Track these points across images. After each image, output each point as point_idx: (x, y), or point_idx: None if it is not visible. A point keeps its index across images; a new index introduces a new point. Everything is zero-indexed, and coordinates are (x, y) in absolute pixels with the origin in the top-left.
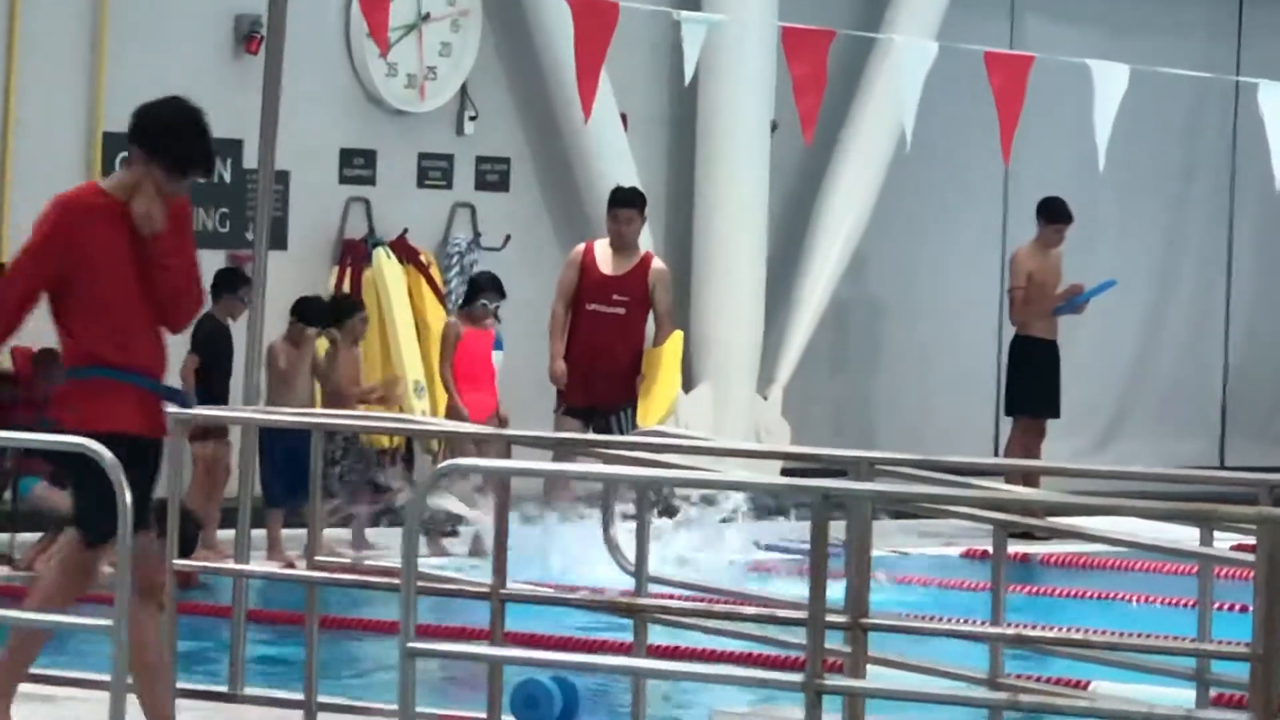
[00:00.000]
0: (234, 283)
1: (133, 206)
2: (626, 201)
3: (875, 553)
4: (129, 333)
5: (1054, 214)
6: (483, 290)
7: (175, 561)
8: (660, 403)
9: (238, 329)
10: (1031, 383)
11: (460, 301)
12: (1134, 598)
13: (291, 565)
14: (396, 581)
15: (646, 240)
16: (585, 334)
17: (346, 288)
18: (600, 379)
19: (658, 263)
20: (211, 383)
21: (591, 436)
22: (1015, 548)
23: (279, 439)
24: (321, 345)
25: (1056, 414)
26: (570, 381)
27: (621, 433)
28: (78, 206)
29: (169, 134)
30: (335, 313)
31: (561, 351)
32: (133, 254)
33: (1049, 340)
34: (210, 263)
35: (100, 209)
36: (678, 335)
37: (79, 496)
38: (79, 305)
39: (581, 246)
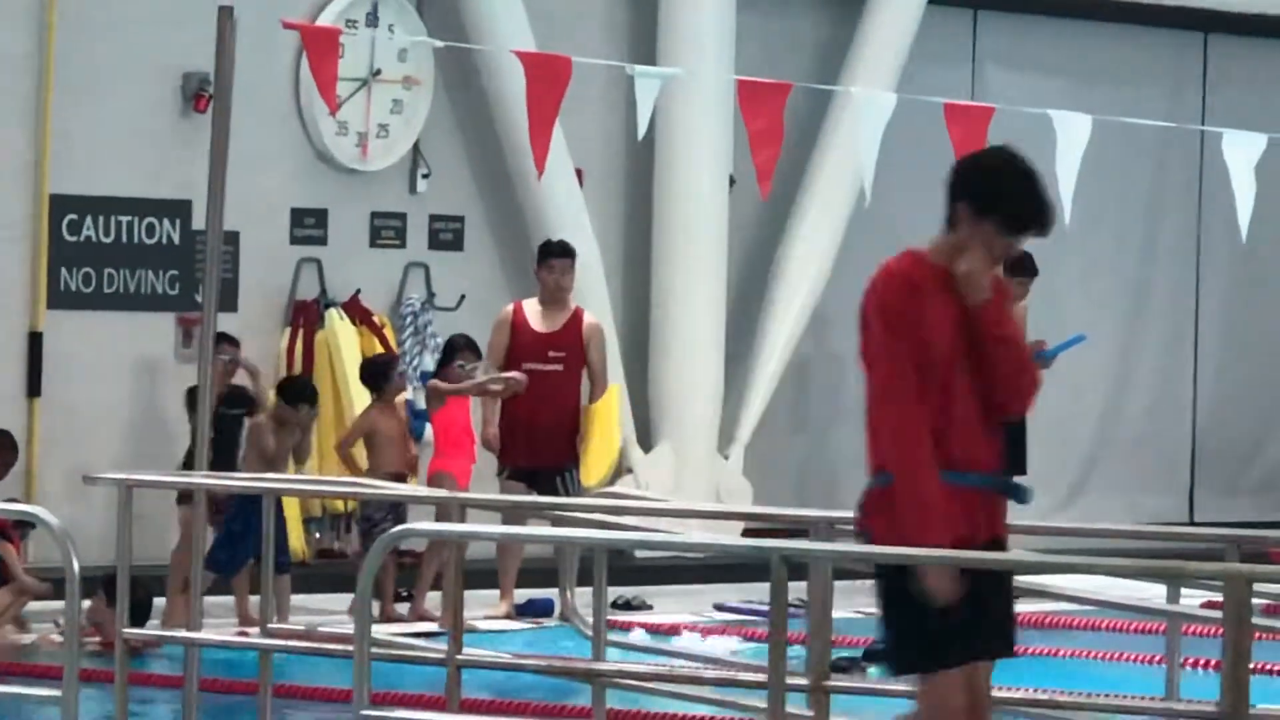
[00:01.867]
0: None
1: (956, 268)
2: (563, 252)
3: (839, 614)
4: (969, 422)
5: (1015, 267)
6: (459, 351)
7: (125, 630)
8: (599, 460)
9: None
10: None
11: (416, 365)
12: (1102, 656)
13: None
14: (350, 648)
15: (604, 297)
16: (522, 394)
17: (299, 350)
18: (542, 439)
19: (589, 317)
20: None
21: (547, 499)
22: None
23: (250, 510)
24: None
25: (1023, 470)
26: (512, 443)
27: (568, 494)
28: (908, 280)
29: (1002, 185)
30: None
31: (494, 417)
32: (963, 328)
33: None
34: (159, 324)
35: (928, 279)
36: (613, 390)
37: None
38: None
39: (510, 307)
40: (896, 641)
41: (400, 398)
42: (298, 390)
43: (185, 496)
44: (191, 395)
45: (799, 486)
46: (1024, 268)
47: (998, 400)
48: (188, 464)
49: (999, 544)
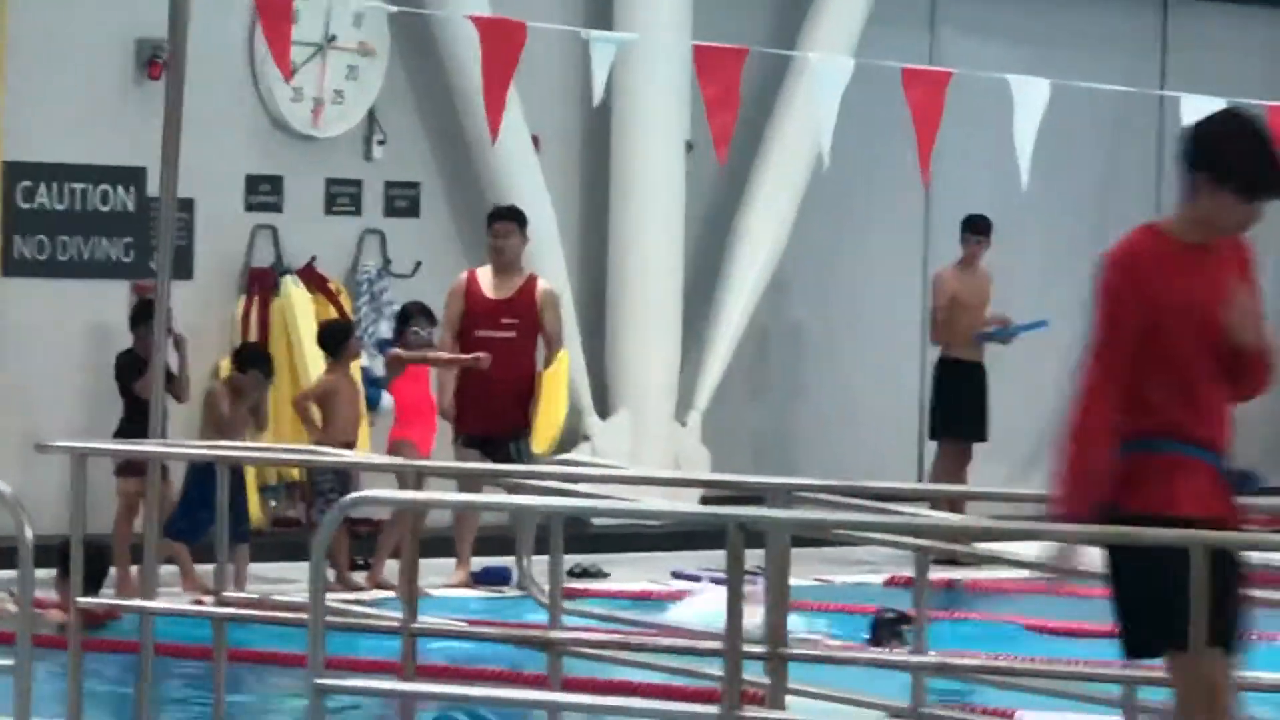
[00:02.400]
0: (146, 315)
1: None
2: (502, 215)
3: (796, 581)
4: (1210, 402)
5: (972, 225)
6: (413, 317)
7: (79, 599)
8: (545, 428)
9: None
10: (956, 405)
11: (372, 333)
12: (1060, 625)
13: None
14: (305, 616)
15: (560, 264)
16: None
17: (254, 317)
18: (495, 405)
19: (544, 282)
20: (134, 415)
21: (505, 467)
22: (940, 574)
23: (207, 478)
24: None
25: (983, 437)
26: (466, 410)
27: (521, 461)
28: (1132, 258)
29: (1237, 150)
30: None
31: (451, 386)
32: (1204, 302)
33: (974, 362)
34: (115, 292)
35: (1164, 255)
36: (563, 357)
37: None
38: (1150, 369)
39: (464, 275)
40: (1135, 619)
41: (355, 364)
42: (250, 357)
43: (124, 468)
44: (120, 364)
45: (757, 454)
46: (974, 224)
47: (1239, 381)
48: (119, 435)
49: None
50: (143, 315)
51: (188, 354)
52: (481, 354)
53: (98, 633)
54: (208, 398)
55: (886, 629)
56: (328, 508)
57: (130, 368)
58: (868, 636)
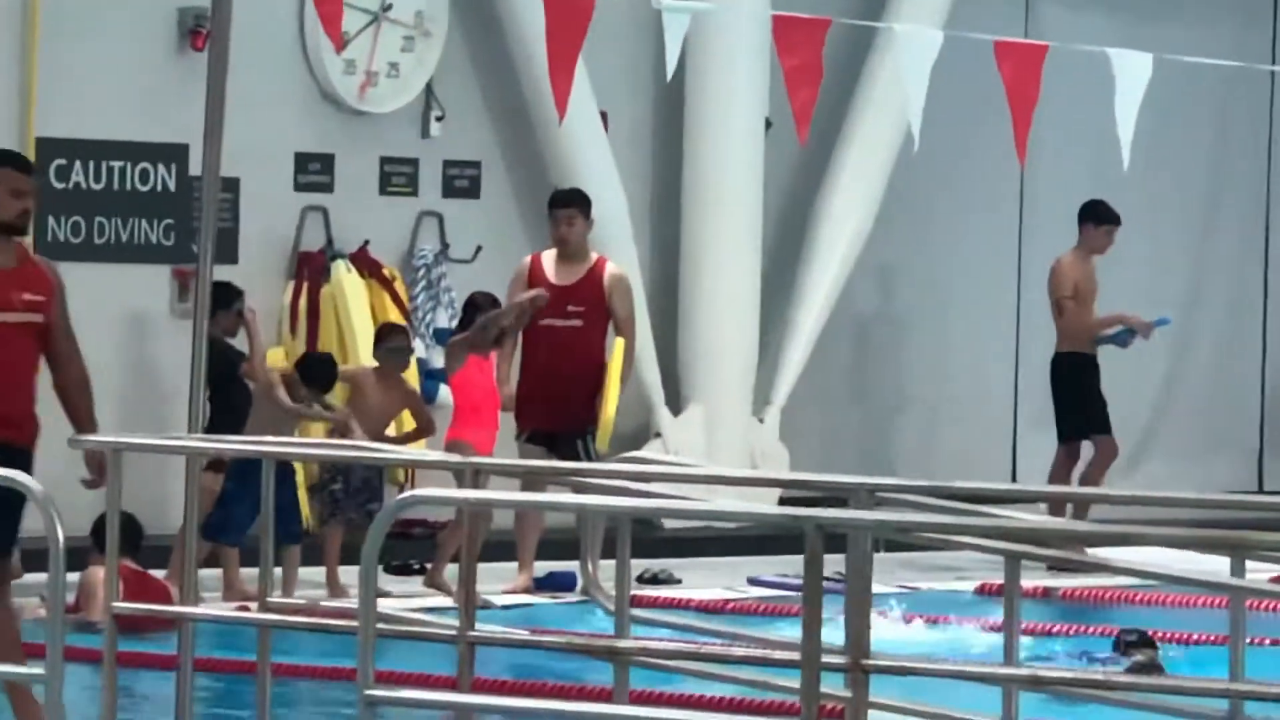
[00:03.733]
0: (227, 298)
1: None
2: (564, 201)
3: (880, 588)
4: None
5: (1104, 215)
6: (480, 309)
7: (115, 605)
8: (605, 422)
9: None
10: (1078, 401)
11: (429, 322)
12: (1162, 634)
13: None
14: (355, 624)
15: (630, 249)
16: (541, 352)
17: (303, 305)
18: (561, 399)
19: (612, 266)
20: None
21: (567, 464)
22: (1034, 581)
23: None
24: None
25: (1107, 430)
26: (529, 404)
27: (590, 458)
28: None
29: None
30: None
31: (511, 376)
32: None
33: (1091, 355)
34: (154, 277)
35: None
36: (620, 345)
37: None
38: None
39: (527, 259)
40: None
41: (408, 373)
42: (314, 370)
43: (213, 464)
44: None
45: (839, 452)
46: (1110, 215)
47: None
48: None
49: None
50: (230, 295)
51: (258, 327)
52: (538, 290)
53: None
54: (259, 392)
55: (1131, 650)
56: (338, 511)
57: (216, 358)
58: (1105, 657)
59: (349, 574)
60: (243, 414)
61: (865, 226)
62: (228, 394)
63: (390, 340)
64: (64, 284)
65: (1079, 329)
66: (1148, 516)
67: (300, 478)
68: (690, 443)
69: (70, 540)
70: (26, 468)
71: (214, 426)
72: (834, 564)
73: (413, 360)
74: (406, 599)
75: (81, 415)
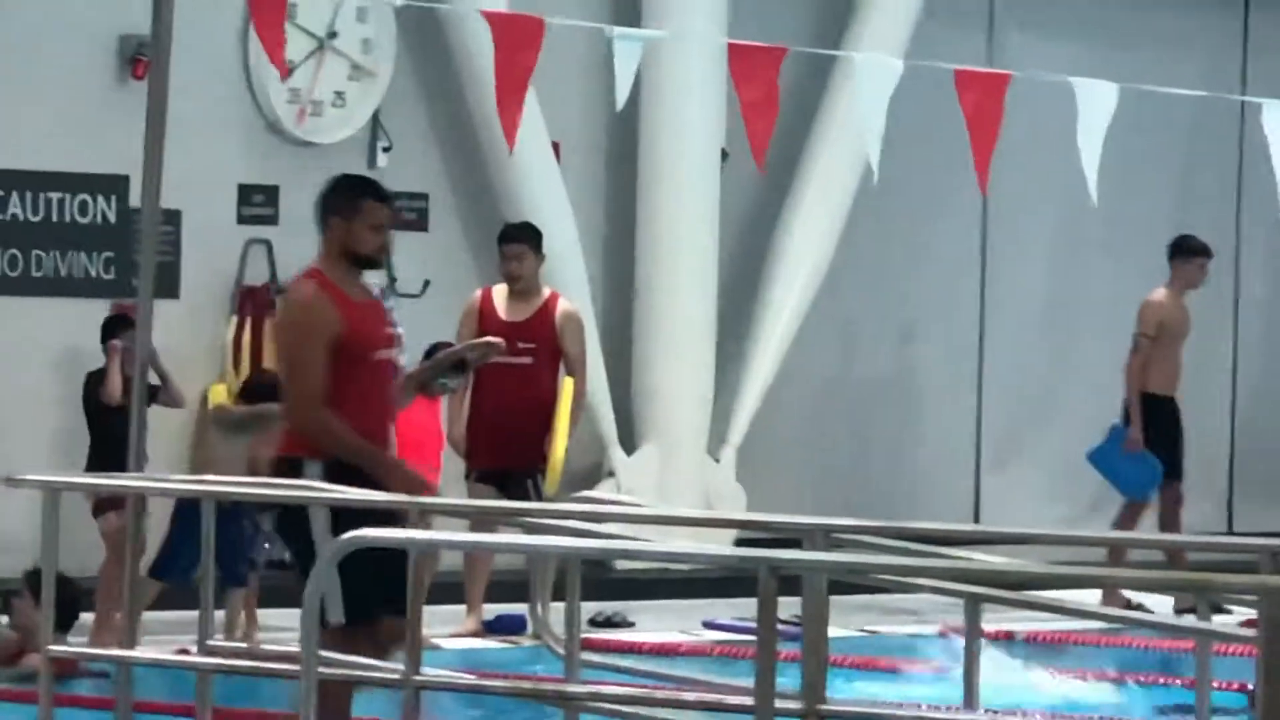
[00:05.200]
0: (117, 326)
1: None
2: (513, 237)
3: (838, 632)
4: None
5: (1193, 248)
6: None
7: (50, 647)
8: (551, 465)
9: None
10: (1158, 443)
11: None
12: (1126, 677)
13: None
14: (298, 668)
15: (583, 284)
16: (490, 389)
17: (246, 340)
18: (511, 438)
19: (564, 303)
20: (105, 439)
21: (516, 505)
22: (996, 624)
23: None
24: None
25: (1179, 475)
26: (479, 443)
27: (540, 498)
28: None
29: None
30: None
31: (461, 415)
32: None
33: (1168, 397)
34: (94, 312)
35: None
36: (568, 384)
37: None
38: None
39: (477, 294)
40: None
41: None
42: (262, 390)
43: (103, 505)
44: (87, 387)
45: (797, 493)
46: (1202, 247)
47: None
48: (91, 468)
49: None
50: (115, 327)
51: (161, 363)
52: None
53: (70, 685)
54: (201, 429)
55: None
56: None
57: (92, 390)
58: None
59: (290, 618)
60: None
61: (824, 260)
62: (107, 427)
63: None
64: None
65: (1156, 369)
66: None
67: None
68: (644, 483)
69: (3, 583)
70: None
71: (91, 467)
72: (794, 606)
73: None
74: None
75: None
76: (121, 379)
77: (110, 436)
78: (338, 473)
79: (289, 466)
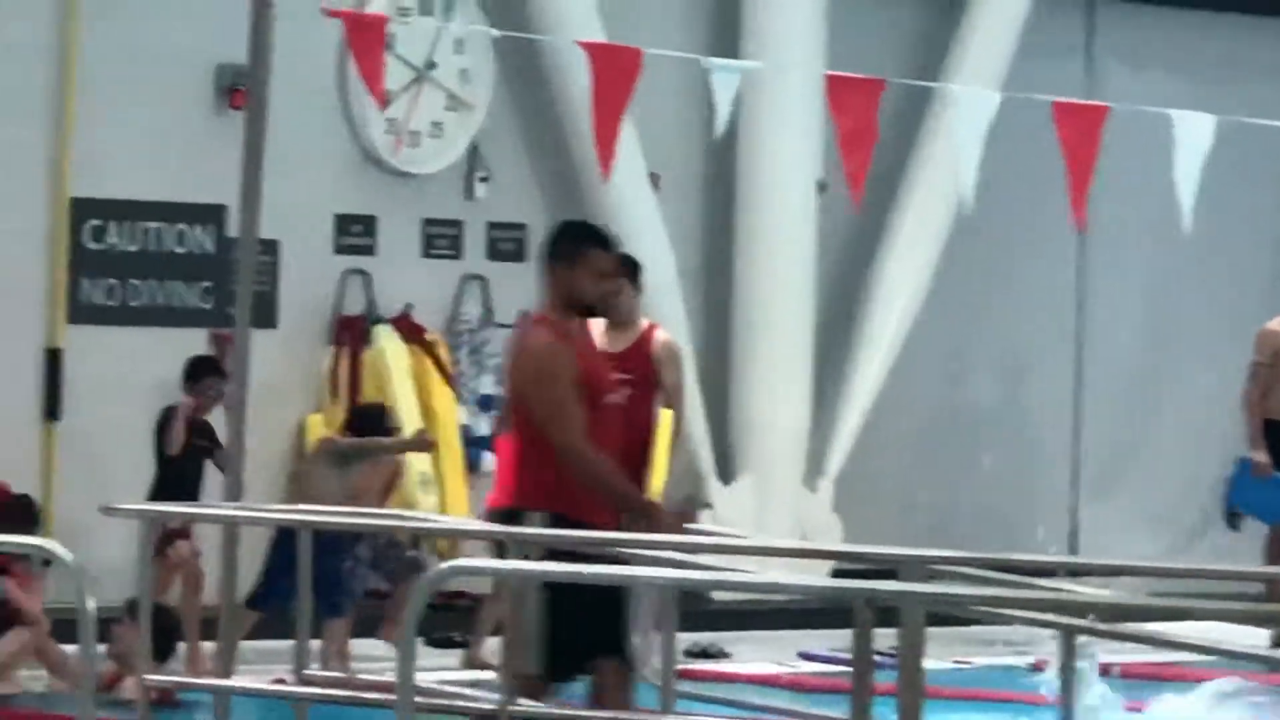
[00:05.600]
0: (197, 372)
1: None
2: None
3: (934, 663)
4: None
5: None
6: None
7: (146, 677)
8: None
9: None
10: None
11: (473, 388)
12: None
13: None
14: (394, 698)
15: (680, 315)
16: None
17: (343, 370)
18: None
19: (662, 334)
20: (167, 478)
21: (613, 535)
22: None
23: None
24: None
25: None
26: None
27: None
28: None
29: None
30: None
31: None
32: None
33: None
34: (191, 342)
35: None
36: (666, 416)
37: None
38: None
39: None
40: None
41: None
42: (367, 423)
43: (170, 536)
44: (159, 423)
45: (894, 524)
46: None
47: None
48: (155, 496)
49: None
50: (201, 371)
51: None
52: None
53: (168, 714)
54: (300, 460)
55: None
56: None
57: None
58: None
59: (375, 648)
60: (193, 485)
61: (921, 291)
62: (167, 467)
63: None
64: None
65: (1271, 397)
66: (1206, 590)
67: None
68: (741, 514)
69: (103, 610)
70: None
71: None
72: (890, 638)
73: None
74: (445, 671)
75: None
76: (186, 432)
77: (169, 477)
78: (561, 526)
79: (507, 518)
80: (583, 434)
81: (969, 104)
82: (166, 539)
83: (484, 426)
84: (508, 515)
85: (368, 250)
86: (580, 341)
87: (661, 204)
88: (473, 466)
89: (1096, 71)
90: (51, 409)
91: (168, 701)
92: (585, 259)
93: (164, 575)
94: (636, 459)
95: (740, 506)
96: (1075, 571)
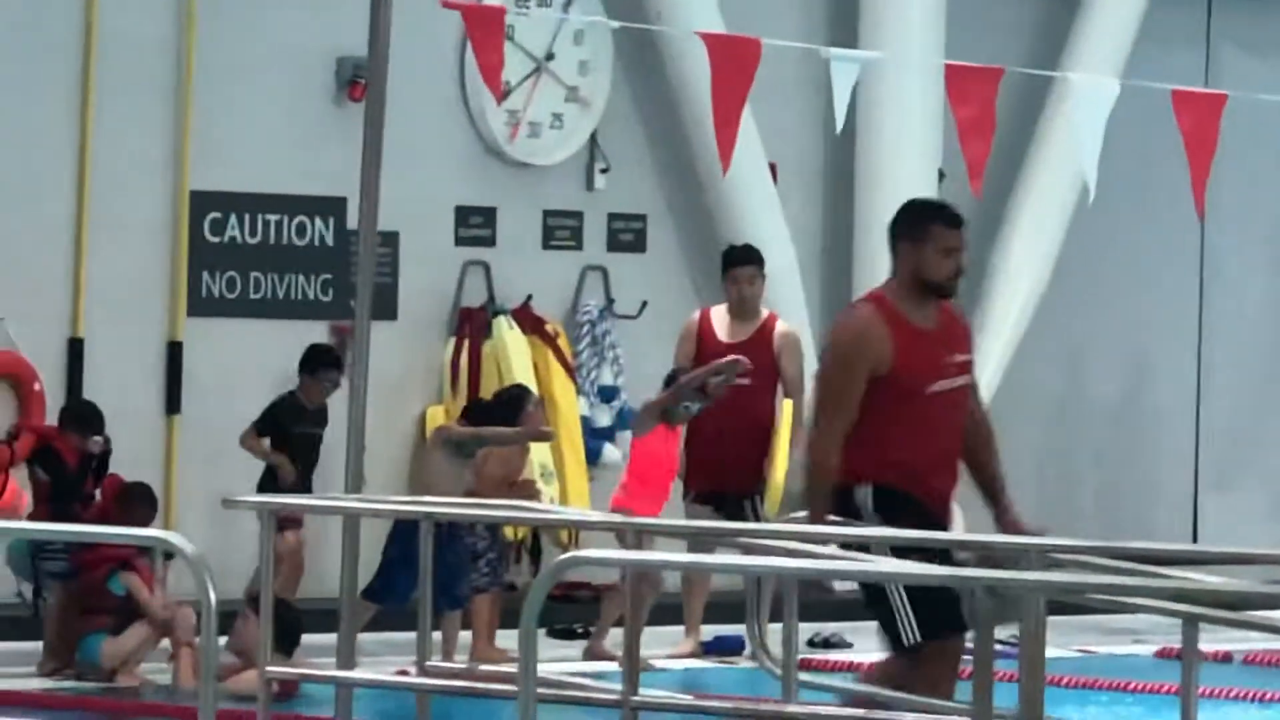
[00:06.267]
0: (314, 363)
1: None
2: (743, 259)
3: (1055, 652)
4: None
5: None
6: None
7: (269, 669)
8: (773, 487)
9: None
10: None
11: (593, 379)
12: None
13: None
14: (515, 689)
15: (800, 305)
16: (710, 412)
17: (464, 362)
18: (729, 460)
19: (783, 325)
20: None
21: (733, 525)
22: (1215, 645)
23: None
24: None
25: None
26: (697, 465)
27: (756, 520)
28: None
29: None
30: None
31: (680, 438)
32: None
33: None
34: (311, 334)
35: None
36: (787, 407)
37: None
38: None
39: (696, 314)
40: None
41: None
42: (489, 414)
43: (281, 525)
44: (279, 408)
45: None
46: None
47: None
48: (263, 487)
49: None
50: (319, 361)
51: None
52: (737, 357)
53: (289, 706)
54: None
55: None
56: (487, 571)
57: (290, 414)
58: None
59: (507, 639)
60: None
61: (1042, 281)
62: (283, 446)
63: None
64: None
65: None
66: None
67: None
68: None
69: (224, 604)
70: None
71: (264, 487)
72: (1011, 627)
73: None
74: (566, 663)
75: (996, 479)
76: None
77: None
78: (887, 499)
79: (841, 494)
80: (841, 422)
81: (1088, 93)
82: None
83: (604, 418)
84: (838, 492)
85: (488, 241)
86: (916, 323)
87: (781, 195)
88: (593, 458)
89: (1215, 59)
90: (172, 402)
91: (291, 694)
92: (931, 235)
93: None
94: (759, 445)
95: None
96: (1196, 560)
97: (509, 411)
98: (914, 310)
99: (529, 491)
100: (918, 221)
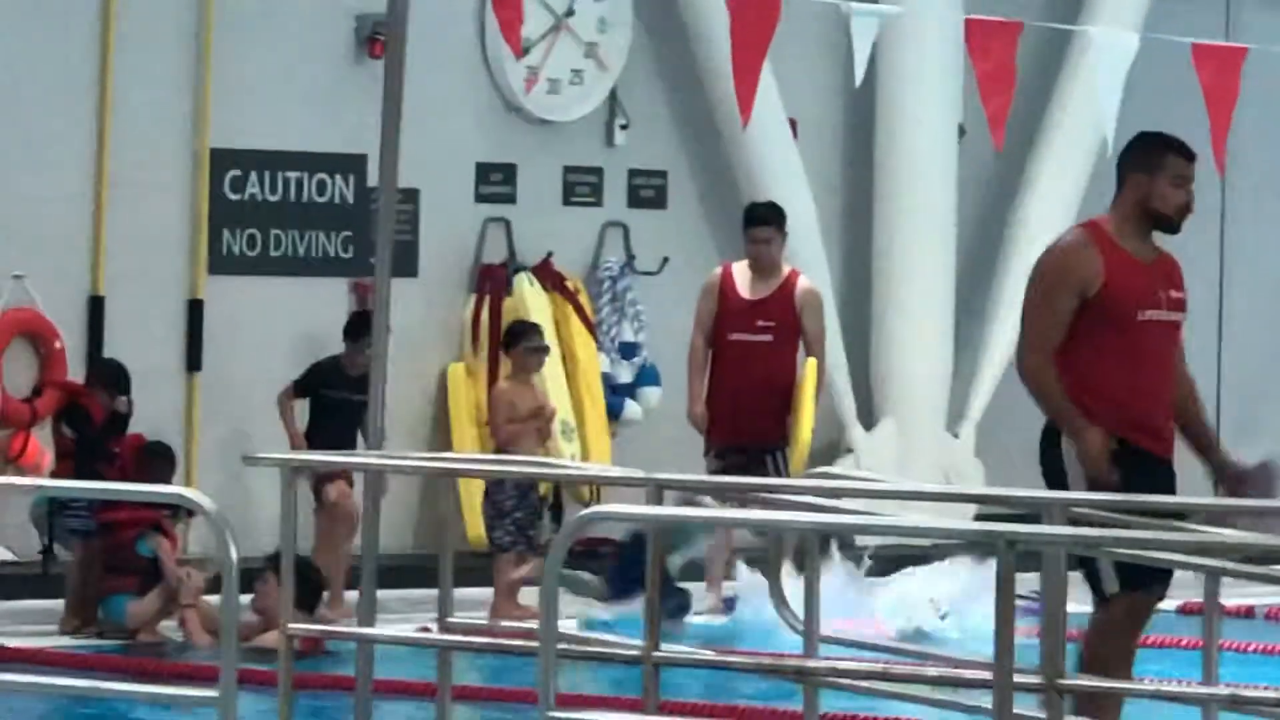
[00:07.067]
0: (356, 330)
1: None
2: (762, 219)
3: (1076, 607)
4: None
5: None
6: None
7: (290, 626)
8: (798, 444)
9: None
10: None
11: (614, 335)
12: None
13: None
14: (536, 645)
15: (821, 261)
16: (730, 367)
17: (484, 318)
18: (749, 415)
19: (804, 281)
20: (319, 426)
21: (755, 480)
22: (1237, 600)
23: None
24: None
25: None
26: (718, 420)
27: (778, 475)
28: None
29: None
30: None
31: (702, 392)
32: None
33: None
34: (332, 291)
35: None
36: (811, 364)
37: None
38: None
39: (718, 270)
40: None
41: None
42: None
43: (321, 481)
44: (322, 369)
45: (1037, 468)
46: None
47: None
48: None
49: None
50: (362, 329)
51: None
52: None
53: (311, 664)
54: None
55: None
56: (513, 529)
57: (330, 376)
58: None
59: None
60: (335, 429)
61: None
62: (327, 412)
63: (529, 339)
64: None
65: None
66: None
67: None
68: (883, 459)
69: (244, 561)
70: (1170, 484)
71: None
72: (1033, 581)
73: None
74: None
75: (1203, 428)
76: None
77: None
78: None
79: (1048, 435)
80: (1048, 340)
81: (1108, 47)
82: (321, 482)
83: (625, 374)
84: (1047, 433)
85: (508, 198)
86: (1132, 252)
87: (801, 151)
88: (614, 414)
89: (1236, 12)
90: (193, 359)
91: (316, 652)
92: (1166, 165)
93: (323, 518)
94: (779, 401)
95: (882, 452)
96: (1217, 515)
97: (507, 339)
98: (1130, 239)
99: (544, 418)
100: (1152, 151)
